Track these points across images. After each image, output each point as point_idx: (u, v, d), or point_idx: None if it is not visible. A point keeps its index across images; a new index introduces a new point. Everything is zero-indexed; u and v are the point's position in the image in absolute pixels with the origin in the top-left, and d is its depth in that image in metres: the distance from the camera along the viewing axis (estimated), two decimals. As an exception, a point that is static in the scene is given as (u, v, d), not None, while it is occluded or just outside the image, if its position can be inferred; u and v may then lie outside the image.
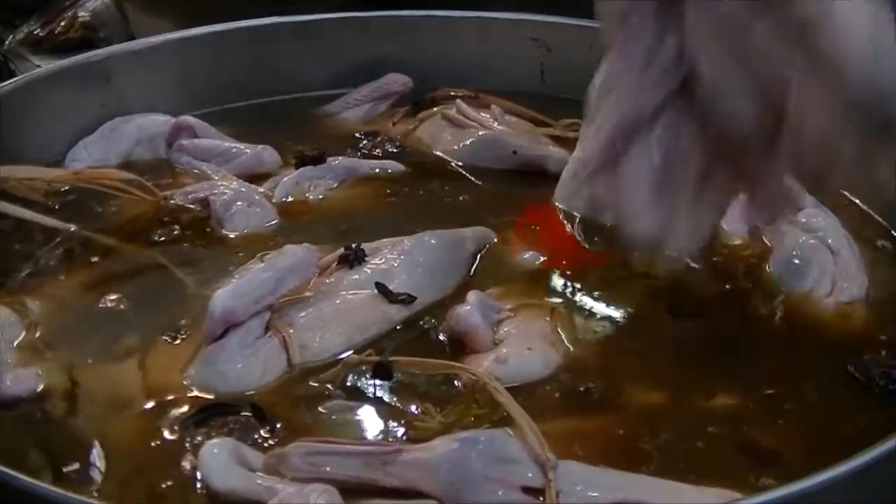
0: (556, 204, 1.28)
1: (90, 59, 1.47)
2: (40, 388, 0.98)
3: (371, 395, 0.98)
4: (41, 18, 1.83)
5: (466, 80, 1.54)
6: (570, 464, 0.87)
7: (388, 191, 1.34)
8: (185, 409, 0.96)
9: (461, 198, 1.33)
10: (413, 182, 1.36)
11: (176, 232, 1.22)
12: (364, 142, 1.44)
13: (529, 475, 0.85)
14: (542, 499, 0.84)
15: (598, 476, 0.87)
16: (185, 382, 0.99)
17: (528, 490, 0.84)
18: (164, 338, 1.04)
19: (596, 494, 0.85)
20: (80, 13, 1.80)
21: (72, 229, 1.22)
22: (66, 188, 1.29)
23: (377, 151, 1.42)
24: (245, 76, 1.54)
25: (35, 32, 1.82)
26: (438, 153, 1.43)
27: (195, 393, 0.98)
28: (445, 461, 0.85)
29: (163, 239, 1.21)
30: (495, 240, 1.22)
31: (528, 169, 1.38)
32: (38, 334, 1.05)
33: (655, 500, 0.85)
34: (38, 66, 1.65)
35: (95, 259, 1.18)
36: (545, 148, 1.40)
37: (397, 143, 1.44)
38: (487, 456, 0.85)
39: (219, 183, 1.28)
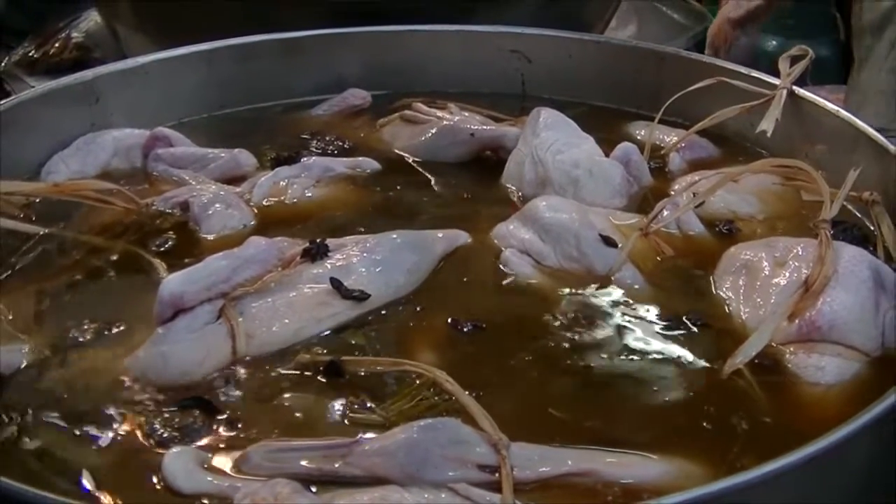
0: (504, 184, 1.34)
1: (78, 79, 1.48)
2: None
3: (322, 392, 0.98)
4: (35, 40, 1.87)
5: (450, 89, 1.58)
6: (522, 444, 0.90)
7: (365, 189, 1.36)
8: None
9: (431, 196, 1.35)
10: (388, 181, 1.38)
11: (163, 237, 1.23)
12: (314, 141, 1.47)
13: (484, 454, 0.87)
14: (496, 475, 0.86)
15: (549, 451, 0.90)
16: (125, 365, 0.99)
17: (483, 468, 0.87)
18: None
19: (547, 468, 0.87)
20: (74, 34, 1.84)
21: (43, 232, 1.23)
22: (38, 199, 1.29)
23: (330, 149, 1.45)
24: (230, 91, 1.57)
25: (30, 54, 1.86)
26: (398, 151, 1.46)
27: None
28: (404, 446, 0.87)
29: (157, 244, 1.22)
30: (468, 240, 1.22)
31: (486, 151, 1.41)
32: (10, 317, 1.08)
33: (605, 469, 0.87)
34: (33, 87, 1.67)
35: (76, 257, 1.20)
36: (501, 127, 1.44)
37: (348, 143, 1.46)
38: (444, 439, 0.88)
39: (198, 186, 1.30)
